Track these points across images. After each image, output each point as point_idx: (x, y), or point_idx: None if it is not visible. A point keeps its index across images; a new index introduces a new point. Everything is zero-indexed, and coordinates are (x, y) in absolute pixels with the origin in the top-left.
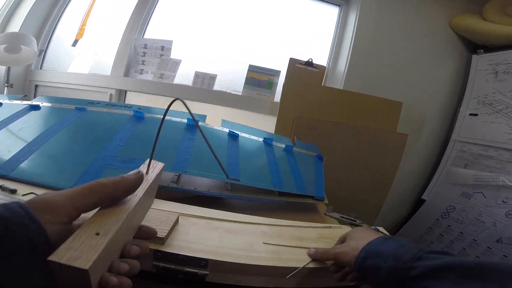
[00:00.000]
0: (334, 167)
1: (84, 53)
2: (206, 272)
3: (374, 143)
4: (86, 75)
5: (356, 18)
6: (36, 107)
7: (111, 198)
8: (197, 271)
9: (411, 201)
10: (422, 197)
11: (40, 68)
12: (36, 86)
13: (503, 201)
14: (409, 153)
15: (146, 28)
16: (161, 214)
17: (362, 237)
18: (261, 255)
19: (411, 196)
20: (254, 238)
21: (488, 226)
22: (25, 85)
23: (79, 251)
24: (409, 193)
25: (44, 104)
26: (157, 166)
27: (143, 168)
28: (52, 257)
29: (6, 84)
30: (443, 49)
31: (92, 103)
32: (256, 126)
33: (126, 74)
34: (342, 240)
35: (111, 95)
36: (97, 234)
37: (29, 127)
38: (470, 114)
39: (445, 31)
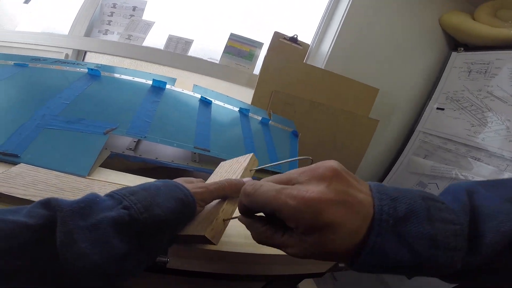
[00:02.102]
0: (305, 145)
1: (37, 11)
2: (165, 259)
3: (346, 126)
4: (38, 34)
5: (349, 0)
6: None
7: (229, 195)
8: None
9: None
10: (382, 182)
11: None
12: None
13: None
14: (376, 139)
15: None
16: (108, 189)
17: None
18: (233, 240)
19: (373, 181)
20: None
21: None
22: None
23: (215, 232)
24: (371, 178)
25: None
26: (254, 163)
27: (242, 161)
28: (206, 234)
29: None
30: (426, 43)
31: (37, 59)
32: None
33: (88, 34)
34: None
35: (67, 55)
36: (224, 220)
37: None
38: (438, 108)
39: (432, 26)
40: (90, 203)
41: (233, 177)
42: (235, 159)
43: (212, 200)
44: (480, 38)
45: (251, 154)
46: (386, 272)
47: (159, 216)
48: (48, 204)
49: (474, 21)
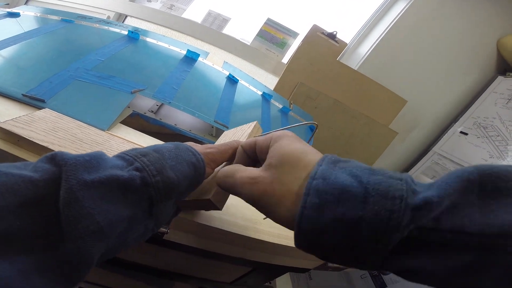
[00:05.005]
0: (318, 143)
1: None
2: (166, 229)
3: (363, 131)
4: None
5: (405, 7)
6: (14, 15)
7: None
8: None
9: None
10: None
11: None
12: (27, 0)
13: None
14: (390, 150)
15: None
16: (126, 147)
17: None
18: (236, 220)
19: None
20: (233, 198)
21: None
22: None
23: (220, 196)
24: None
25: (27, 12)
26: (258, 131)
27: (246, 128)
28: (211, 197)
29: None
30: (474, 62)
31: (83, 17)
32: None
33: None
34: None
35: (108, 17)
36: None
37: None
38: (461, 132)
39: (488, 46)
40: (97, 158)
41: None
42: (238, 127)
43: (222, 162)
44: None
45: (255, 122)
46: (336, 220)
47: (172, 179)
48: (54, 158)
49: None
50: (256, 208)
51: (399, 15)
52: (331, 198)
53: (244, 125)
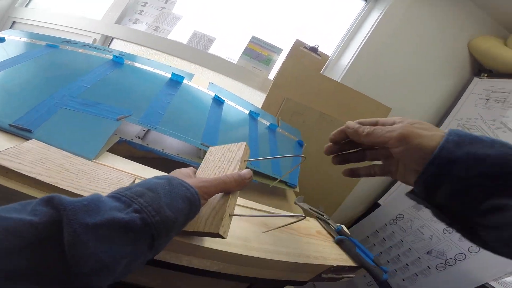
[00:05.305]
0: (308, 156)
1: None
2: None
3: None
4: (72, 17)
5: (378, 17)
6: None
7: (231, 190)
8: None
9: (368, 203)
10: (378, 201)
11: (26, 6)
12: (13, 23)
13: None
14: None
15: None
16: (113, 175)
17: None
18: (226, 239)
19: (369, 198)
20: None
21: (425, 238)
22: (1, 21)
23: (225, 227)
24: (367, 195)
25: (12, 37)
26: (246, 153)
27: (235, 149)
28: (219, 231)
29: None
30: (449, 66)
31: (68, 42)
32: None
33: (119, 21)
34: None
35: (94, 39)
36: (230, 215)
37: None
38: None
39: (459, 50)
40: (95, 201)
41: (228, 167)
42: (226, 146)
43: (215, 194)
44: (508, 65)
45: (244, 143)
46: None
47: (170, 217)
48: (51, 201)
49: (505, 47)
50: (398, 146)
51: (375, 25)
52: (467, 140)
53: (232, 144)
